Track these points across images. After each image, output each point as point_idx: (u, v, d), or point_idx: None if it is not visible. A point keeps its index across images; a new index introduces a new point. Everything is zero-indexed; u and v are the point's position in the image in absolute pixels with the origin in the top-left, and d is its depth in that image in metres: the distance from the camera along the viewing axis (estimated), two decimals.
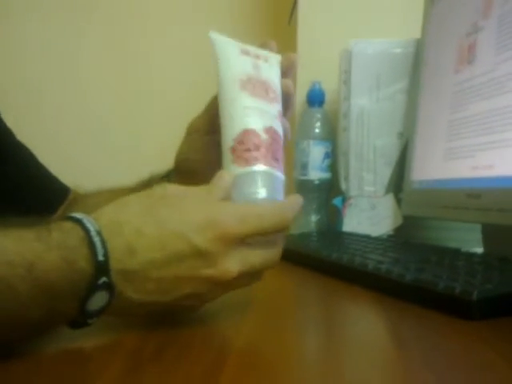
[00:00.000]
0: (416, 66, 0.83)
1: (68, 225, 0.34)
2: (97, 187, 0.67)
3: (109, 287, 0.34)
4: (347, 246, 0.67)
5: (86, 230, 0.34)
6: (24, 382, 0.29)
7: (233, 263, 0.36)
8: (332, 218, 0.91)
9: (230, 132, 0.42)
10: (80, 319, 0.34)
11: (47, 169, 0.74)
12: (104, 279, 0.33)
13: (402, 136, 0.85)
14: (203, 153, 0.52)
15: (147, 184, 0.60)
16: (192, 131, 0.53)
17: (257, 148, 0.42)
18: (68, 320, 0.34)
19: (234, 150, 0.42)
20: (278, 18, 1.18)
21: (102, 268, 0.33)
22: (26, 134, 0.74)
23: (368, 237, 0.76)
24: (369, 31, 0.93)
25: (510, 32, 0.59)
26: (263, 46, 0.48)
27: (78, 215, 0.35)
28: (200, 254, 0.36)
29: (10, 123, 0.73)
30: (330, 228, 0.91)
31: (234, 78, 0.44)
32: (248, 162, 0.41)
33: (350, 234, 0.81)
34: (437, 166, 0.71)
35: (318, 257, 0.61)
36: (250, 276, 0.39)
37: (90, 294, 0.33)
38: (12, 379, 0.29)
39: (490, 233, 0.66)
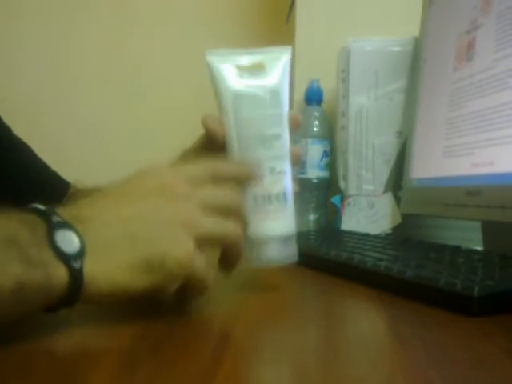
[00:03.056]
0: (415, 64, 0.82)
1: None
2: (95, 183, 0.67)
3: (68, 226, 0.33)
4: (346, 243, 0.67)
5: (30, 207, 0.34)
6: (10, 378, 0.28)
7: (193, 203, 0.37)
8: (330, 216, 0.91)
9: None
10: (64, 267, 0.31)
11: (46, 164, 0.73)
12: (56, 218, 0.33)
13: (400, 135, 0.84)
14: None
15: None
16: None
17: None
18: (52, 276, 0.31)
19: None
20: (276, 17, 1.18)
21: (45, 212, 0.33)
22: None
23: (367, 235, 0.75)
24: (367, 29, 0.93)
25: (509, 28, 0.59)
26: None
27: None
28: (160, 189, 0.37)
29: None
30: (329, 227, 0.90)
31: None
32: None
33: (349, 233, 0.80)
34: (436, 163, 0.71)
35: (317, 255, 0.60)
36: (216, 223, 0.38)
37: (53, 233, 0.32)
38: None
39: (490, 230, 0.66)
